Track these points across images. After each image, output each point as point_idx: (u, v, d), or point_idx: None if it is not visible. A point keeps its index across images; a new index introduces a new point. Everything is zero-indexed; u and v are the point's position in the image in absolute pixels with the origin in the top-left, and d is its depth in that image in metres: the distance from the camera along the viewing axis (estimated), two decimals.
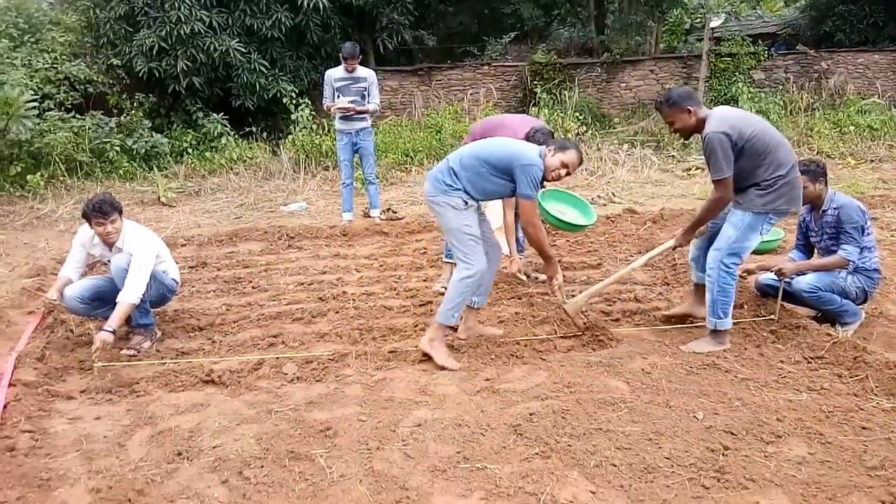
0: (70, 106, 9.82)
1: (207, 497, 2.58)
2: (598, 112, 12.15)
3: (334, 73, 6.76)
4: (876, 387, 3.24)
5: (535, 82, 11.91)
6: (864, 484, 2.54)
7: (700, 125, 3.67)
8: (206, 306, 4.74)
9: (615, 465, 2.70)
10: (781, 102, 11.61)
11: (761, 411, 3.07)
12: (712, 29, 15.01)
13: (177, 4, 9.56)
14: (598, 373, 3.53)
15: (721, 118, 3.63)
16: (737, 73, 11.86)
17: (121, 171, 9.45)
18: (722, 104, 11.45)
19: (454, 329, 3.99)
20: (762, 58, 12.29)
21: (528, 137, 4.25)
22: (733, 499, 2.48)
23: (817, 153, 9.94)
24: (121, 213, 3.96)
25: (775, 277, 4.03)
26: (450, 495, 2.55)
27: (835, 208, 3.92)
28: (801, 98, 11.84)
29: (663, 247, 4.08)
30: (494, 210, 5.50)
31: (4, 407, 3.21)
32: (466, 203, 3.69)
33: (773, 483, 2.56)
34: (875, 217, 6.58)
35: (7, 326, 4.41)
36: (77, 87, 10.04)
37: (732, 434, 2.89)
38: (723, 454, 2.74)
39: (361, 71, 6.76)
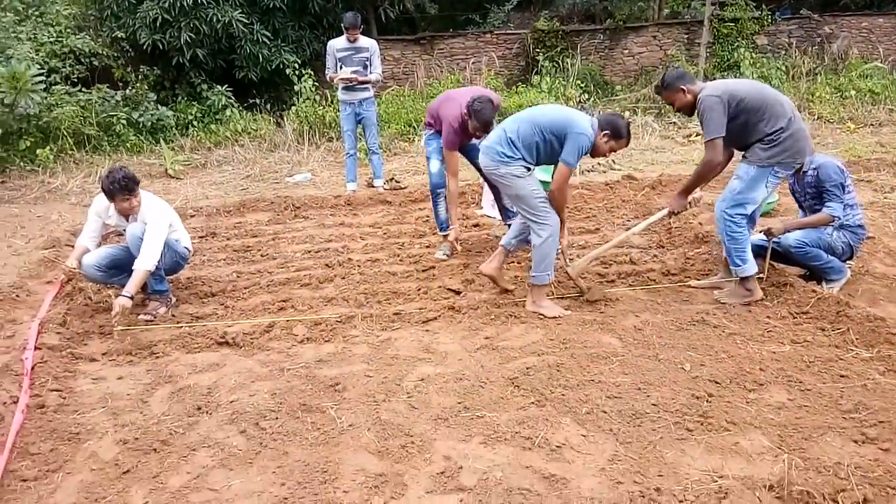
0: (76, 79, 9.91)
1: (227, 445, 2.79)
2: (601, 79, 12.16)
3: (336, 44, 6.84)
4: (856, 339, 3.41)
5: (538, 50, 11.92)
6: (838, 425, 2.73)
7: (696, 101, 3.84)
8: (217, 274, 4.93)
9: (605, 412, 2.89)
10: (784, 68, 11.60)
11: (745, 362, 3.25)
12: None
13: None
14: (592, 330, 3.70)
15: (714, 85, 3.85)
16: (740, 39, 11.81)
17: (128, 145, 9.58)
18: (725, 70, 11.54)
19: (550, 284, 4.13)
20: (766, 23, 12.22)
21: (469, 108, 4.42)
22: (715, 440, 2.67)
23: (817, 118, 9.99)
24: (138, 183, 4.11)
25: (764, 237, 4.18)
26: (452, 440, 2.75)
27: (814, 168, 4.06)
28: (804, 63, 11.81)
29: (660, 214, 4.21)
30: None
31: (32, 368, 3.41)
32: (528, 169, 3.90)
33: (752, 425, 2.75)
34: (870, 179, 6.70)
35: (28, 296, 4.61)
36: (82, 60, 10.11)
37: (717, 383, 3.07)
38: (707, 401, 2.93)
39: (363, 41, 6.84)
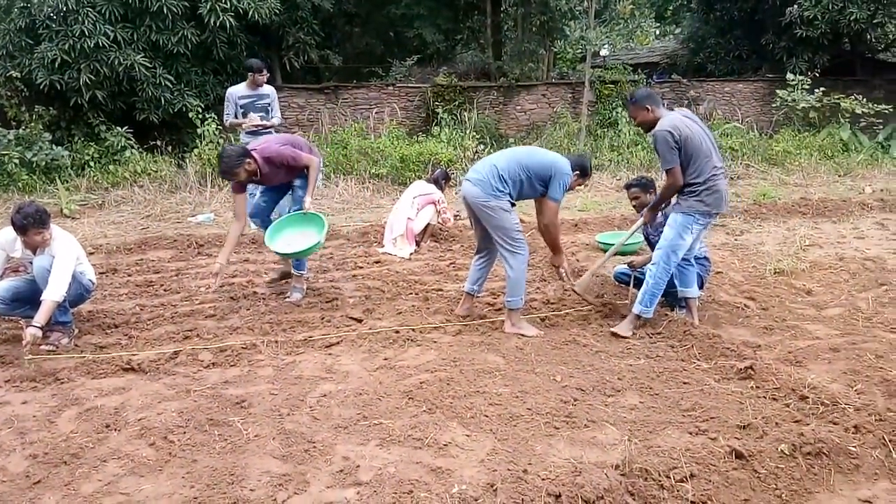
0: None
1: (137, 456, 2.97)
2: (496, 132, 12.99)
3: (237, 91, 7.09)
4: (698, 353, 4.02)
5: (437, 103, 12.62)
6: (677, 421, 3.25)
7: (655, 122, 4.23)
8: (119, 307, 5.02)
9: (487, 416, 3.29)
10: None
11: (607, 374, 3.76)
12: (603, 58, 16.30)
13: (80, 18, 9.59)
14: (480, 350, 4.14)
15: (669, 119, 4.22)
16: (618, 99, 13.03)
17: (20, 184, 9.35)
18: (606, 126, 12.66)
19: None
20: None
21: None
22: (577, 435, 3.12)
23: None
24: (49, 218, 4.17)
25: (628, 269, 4.79)
26: (350, 444, 3.06)
27: (664, 214, 4.64)
28: None
29: (638, 224, 4.77)
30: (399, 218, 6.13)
31: None
32: (513, 205, 4.34)
33: (608, 423, 3.23)
34: (724, 224, 7.64)
35: None
36: None
37: (582, 390, 3.56)
38: (572, 404, 3.40)
39: (264, 87, 7.16)
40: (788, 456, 2.88)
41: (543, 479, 2.70)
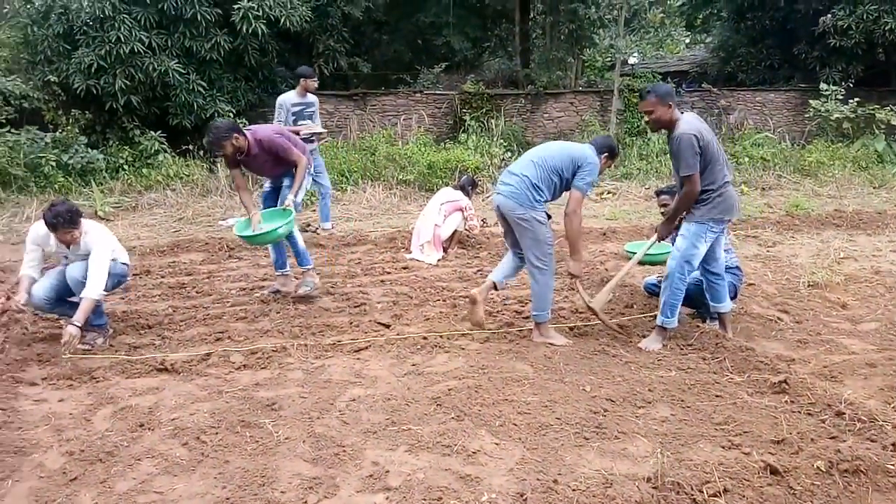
0: (4, 121, 9.88)
1: (170, 456, 3.01)
2: (523, 139, 12.98)
3: (290, 99, 7.29)
4: (731, 366, 3.96)
5: (465, 110, 12.65)
6: (710, 434, 3.21)
7: (672, 124, 4.08)
8: (152, 308, 5.10)
9: (516, 425, 3.28)
10: None
11: (637, 385, 3.73)
12: (632, 66, 16.23)
13: (117, 25, 9.80)
14: (508, 358, 4.13)
15: (690, 122, 4.09)
16: None
17: (56, 186, 9.55)
18: (634, 135, 12.58)
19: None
20: None
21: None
22: (607, 446, 3.10)
23: None
24: (81, 214, 4.25)
25: (657, 280, 4.75)
26: (380, 449, 3.07)
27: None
28: None
29: (653, 239, 4.66)
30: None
31: None
32: (548, 216, 4.28)
33: (639, 435, 3.20)
34: (756, 235, 7.54)
35: None
36: (12, 102, 10.11)
37: (612, 401, 3.53)
38: (602, 415, 3.37)
39: (310, 96, 7.35)
40: (824, 473, 2.82)
41: (574, 490, 2.69)
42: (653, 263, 6.28)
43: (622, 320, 4.78)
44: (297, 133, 7.23)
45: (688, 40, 23.01)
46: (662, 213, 4.89)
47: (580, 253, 4.38)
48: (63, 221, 4.10)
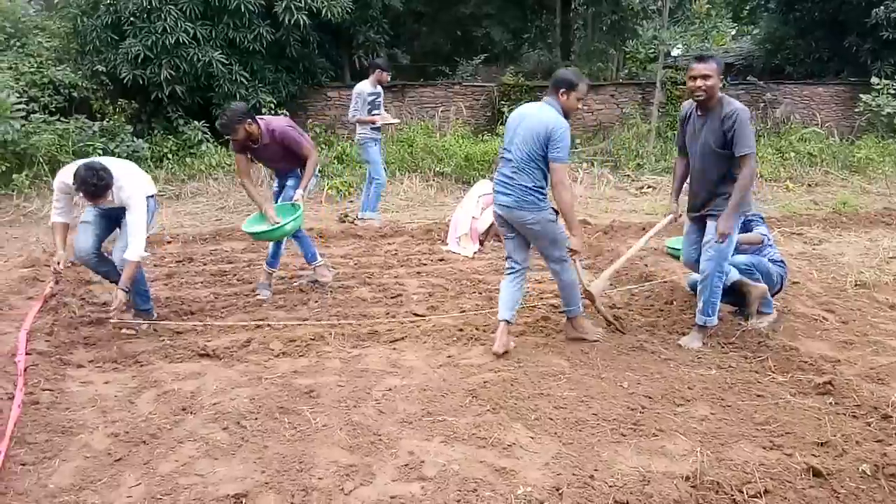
0: (54, 109, 10.14)
1: (211, 439, 3.08)
2: None
3: (366, 88, 7.51)
4: (773, 365, 3.88)
5: (503, 102, 12.57)
6: (751, 434, 3.15)
7: (716, 100, 3.89)
8: (195, 295, 5.20)
9: (552, 420, 3.26)
10: None
11: (676, 382, 3.67)
12: (673, 58, 15.92)
13: (163, 16, 9.98)
14: (544, 352, 4.10)
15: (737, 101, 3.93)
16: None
17: None
18: (676, 129, 12.34)
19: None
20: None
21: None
22: (644, 443, 3.06)
23: (759, 177, 10.75)
24: (111, 178, 4.00)
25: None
26: (415, 439, 3.09)
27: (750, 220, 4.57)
28: None
29: (665, 220, 4.62)
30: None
31: (25, 370, 3.64)
32: (556, 212, 4.02)
33: (678, 433, 3.15)
34: (801, 233, 7.35)
35: (10, 309, 4.82)
36: (62, 91, 10.37)
37: (650, 398, 3.48)
38: (640, 412, 3.33)
39: (380, 86, 7.62)
40: (870, 477, 2.76)
41: (611, 486, 2.67)
42: None
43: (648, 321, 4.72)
44: (373, 122, 7.46)
45: (734, 32, 22.51)
46: None
47: (578, 227, 4.05)
48: (89, 193, 3.92)
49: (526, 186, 3.91)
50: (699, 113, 4.03)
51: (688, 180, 4.33)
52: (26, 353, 3.84)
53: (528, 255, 4.25)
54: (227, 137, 5.09)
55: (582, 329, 4.31)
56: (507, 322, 4.11)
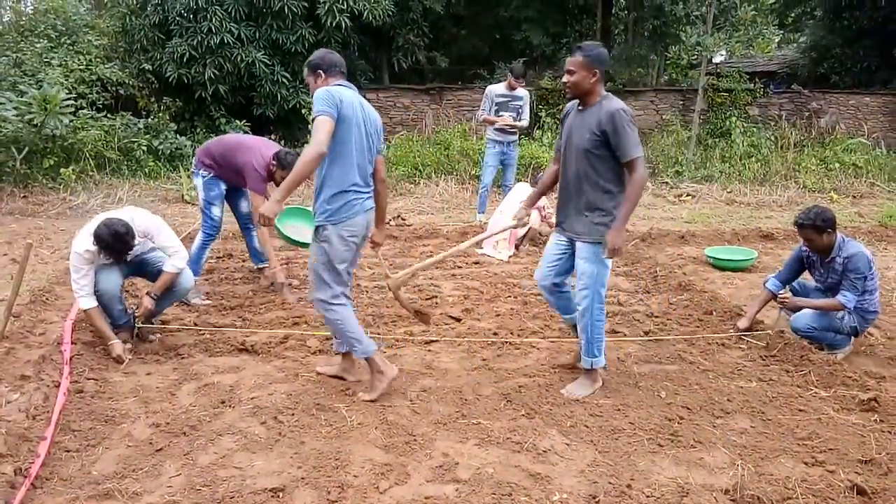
0: (101, 106, 10.43)
1: (249, 433, 3.12)
2: None
3: (496, 90, 7.53)
4: (816, 380, 3.78)
5: (541, 106, 12.53)
6: (792, 449, 3.08)
7: (592, 95, 3.40)
8: (234, 290, 5.29)
9: (588, 427, 3.24)
10: (773, 138, 12.23)
11: (715, 394, 3.61)
12: (716, 65, 15.69)
13: (208, 16, 10.19)
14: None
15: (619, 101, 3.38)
16: (732, 108, 12.49)
17: (146, 170, 10.03)
18: (717, 136, 12.16)
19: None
20: (758, 95, 12.92)
21: (280, 159, 4.90)
22: (682, 454, 3.02)
23: (802, 187, 10.54)
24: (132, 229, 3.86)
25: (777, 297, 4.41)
26: (450, 441, 3.09)
27: (844, 257, 4.10)
28: (792, 134, 12.45)
29: (509, 225, 4.01)
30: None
31: (70, 359, 3.74)
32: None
33: (717, 445, 3.10)
34: None
35: (56, 300, 4.95)
36: (109, 88, 10.67)
37: (688, 409, 3.43)
38: (678, 423, 3.28)
39: (519, 90, 7.50)
40: None
41: (648, 497, 2.63)
42: (734, 269, 6.11)
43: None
44: (492, 123, 7.51)
45: (778, 39, 22.10)
46: (807, 247, 4.26)
47: (384, 222, 3.80)
48: (117, 251, 3.79)
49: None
50: (579, 108, 3.50)
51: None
52: (72, 343, 3.94)
53: None
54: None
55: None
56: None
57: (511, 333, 4.45)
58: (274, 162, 4.92)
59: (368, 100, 10.20)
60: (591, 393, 3.60)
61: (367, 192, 3.47)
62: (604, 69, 3.42)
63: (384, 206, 3.70)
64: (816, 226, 4.08)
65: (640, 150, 3.30)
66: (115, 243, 3.75)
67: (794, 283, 4.55)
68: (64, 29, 11.44)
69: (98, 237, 3.73)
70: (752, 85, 12.87)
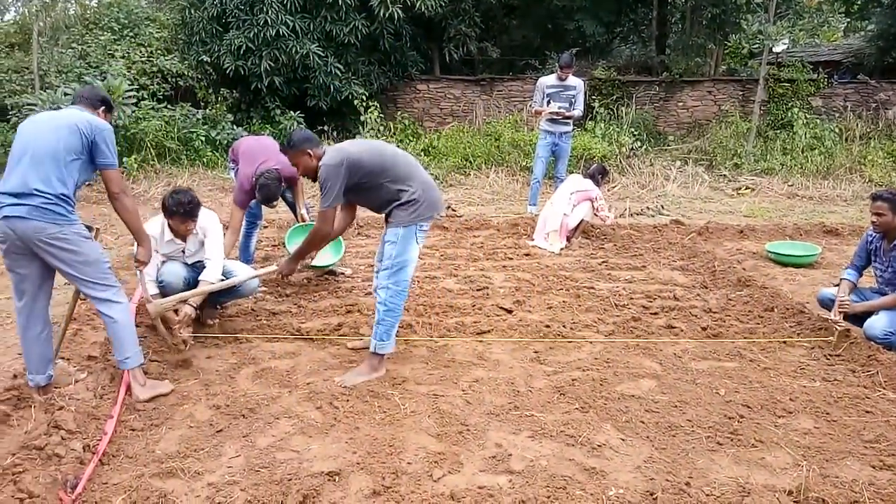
0: (162, 97, 10.74)
1: (306, 417, 3.18)
2: (654, 129, 12.50)
3: (547, 81, 7.54)
4: (884, 381, 3.63)
5: (594, 97, 12.35)
6: (858, 451, 2.97)
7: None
8: (289, 278, 5.36)
9: (643, 423, 3.18)
10: (837, 130, 11.76)
11: (777, 393, 3.50)
12: (776, 54, 15.20)
13: (264, 9, 10.36)
14: (634, 354, 4.01)
15: (332, 151, 3.59)
16: (794, 99, 12.07)
17: (204, 160, 10.29)
18: (778, 128, 11.77)
19: None
20: (822, 85, 12.44)
21: (255, 177, 4.95)
22: (743, 454, 2.94)
23: (868, 181, 10.12)
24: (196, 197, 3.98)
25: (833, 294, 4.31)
26: (503, 432, 3.08)
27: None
28: (858, 126, 11.96)
29: (270, 269, 4.10)
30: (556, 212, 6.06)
31: None
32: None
33: (779, 445, 3.01)
34: None
35: (121, 284, 5.11)
36: (169, 79, 10.97)
37: (748, 407, 3.34)
38: (738, 421, 3.20)
39: (571, 80, 7.49)
40: None
41: (707, 496, 2.58)
42: (797, 265, 5.92)
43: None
44: (539, 114, 7.53)
45: (843, 27, 21.20)
46: (874, 222, 4.16)
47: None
48: (182, 212, 3.87)
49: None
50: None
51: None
52: (136, 326, 4.06)
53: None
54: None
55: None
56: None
57: (563, 326, 4.41)
58: (253, 179, 4.99)
59: (419, 91, 10.47)
60: (365, 381, 3.55)
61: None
62: (312, 145, 3.68)
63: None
64: (894, 201, 4.06)
65: (326, 203, 3.55)
66: (177, 208, 3.86)
67: (852, 294, 4.34)
68: (126, 22, 11.81)
69: (164, 201, 3.94)
70: (816, 75, 12.40)
